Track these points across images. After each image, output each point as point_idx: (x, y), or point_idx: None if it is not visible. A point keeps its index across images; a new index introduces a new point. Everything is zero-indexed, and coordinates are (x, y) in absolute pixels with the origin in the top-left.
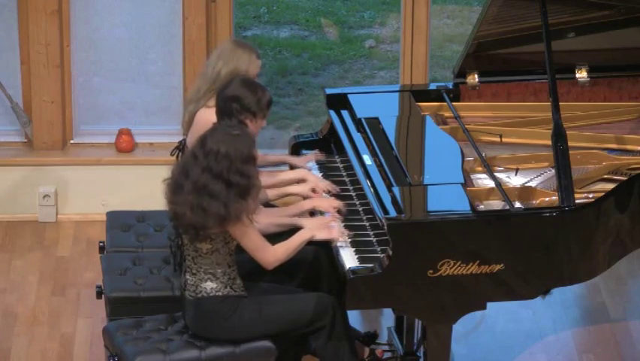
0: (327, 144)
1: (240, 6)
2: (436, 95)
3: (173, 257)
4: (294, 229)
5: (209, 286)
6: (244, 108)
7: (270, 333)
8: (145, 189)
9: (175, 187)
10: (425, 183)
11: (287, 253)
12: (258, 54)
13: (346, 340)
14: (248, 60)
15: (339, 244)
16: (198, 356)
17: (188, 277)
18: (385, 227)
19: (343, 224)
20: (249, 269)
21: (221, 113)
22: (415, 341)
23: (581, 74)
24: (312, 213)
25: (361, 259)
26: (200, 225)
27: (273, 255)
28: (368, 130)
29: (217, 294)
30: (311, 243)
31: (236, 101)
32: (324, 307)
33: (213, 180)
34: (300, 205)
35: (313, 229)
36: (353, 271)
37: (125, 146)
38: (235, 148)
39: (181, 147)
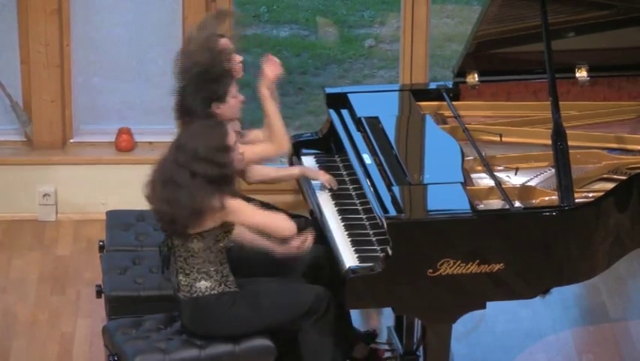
0: (327, 143)
1: (239, 5)
2: (435, 95)
3: (161, 260)
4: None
5: (204, 285)
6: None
7: (268, 324)
8: None
9: (151, 185)
10: (425, 182)
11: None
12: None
13: (333, 333)
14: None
15: (337, 238)
16: (198, 356)
17: (181, 278)
18: (385, 226)
19: (343, 223)
20: (244, 265)
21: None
22: (415, 340)
23: (581, 74)
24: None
25: (361, 259)
26: (176, 217)
27: (284, 222)
28: (368, 129)
29: (212, 293)
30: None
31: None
32: (322, 298)
33: (178, 170)
34: (290, 170)
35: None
36: (353, 270)
37: (124, 145)
38: (204, 138)
39: None
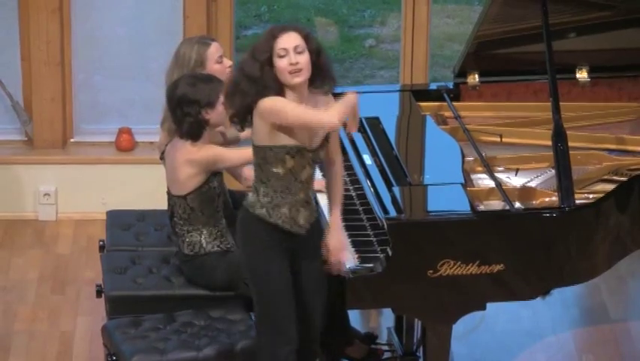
0: None
1: (240, 4)
2: (436, 95)
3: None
4: None
5: (249, 197)
6: (190, 103)
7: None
8: (145, 188)
9: None
10: (425, 183)
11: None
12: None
13: None
14: (197, 52)
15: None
16: (195, 356)
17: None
18: (385, 227)
19: (343, 224)
20: None
21: (175, 117)
22: (415, 341)
23: (582, 75)
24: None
25: (361, 259)
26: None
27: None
28: (368, 130)
29: (247, 209)
30: None
31: (183, 102)
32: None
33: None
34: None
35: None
36: (353, 271)
37: (125, 145)
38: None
39: None
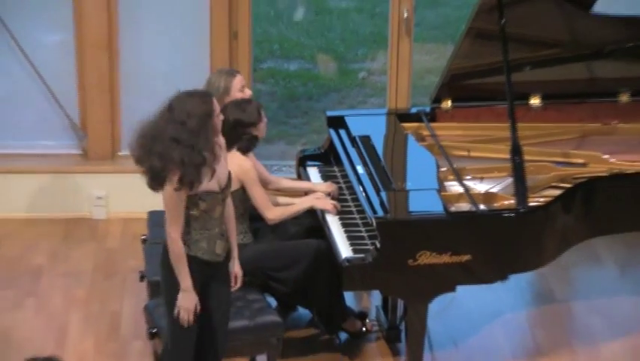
0: (328, 156)
1: (257, 43)
2: (416, 117)
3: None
4: (309, 233)
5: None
6: (245, 125)
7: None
8: None
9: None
10: (407, 188)
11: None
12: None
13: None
14: (224, 81)
15: (335, 234)
16: None
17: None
18: (374, 224)
19: (340, 222)
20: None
21: (231, 137)
22: (398, 316)
23: (535, 101)
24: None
25: (355, 250)
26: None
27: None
28: (361, 145)
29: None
30: (313, 235)
31: (239, 124)
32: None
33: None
34: (303, 204)
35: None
36: (348, 260)
37: None
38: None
39: None
